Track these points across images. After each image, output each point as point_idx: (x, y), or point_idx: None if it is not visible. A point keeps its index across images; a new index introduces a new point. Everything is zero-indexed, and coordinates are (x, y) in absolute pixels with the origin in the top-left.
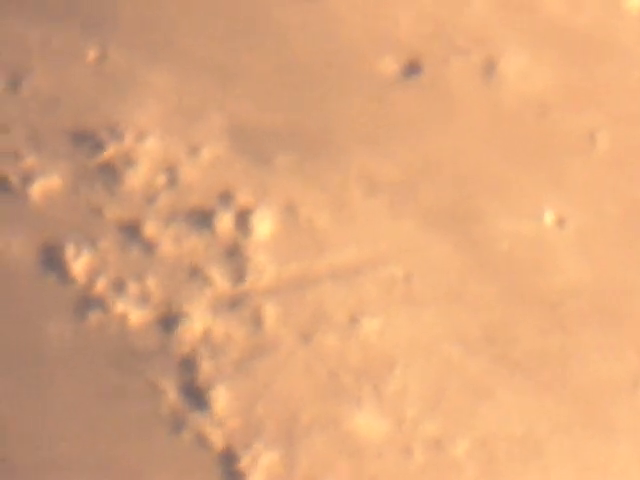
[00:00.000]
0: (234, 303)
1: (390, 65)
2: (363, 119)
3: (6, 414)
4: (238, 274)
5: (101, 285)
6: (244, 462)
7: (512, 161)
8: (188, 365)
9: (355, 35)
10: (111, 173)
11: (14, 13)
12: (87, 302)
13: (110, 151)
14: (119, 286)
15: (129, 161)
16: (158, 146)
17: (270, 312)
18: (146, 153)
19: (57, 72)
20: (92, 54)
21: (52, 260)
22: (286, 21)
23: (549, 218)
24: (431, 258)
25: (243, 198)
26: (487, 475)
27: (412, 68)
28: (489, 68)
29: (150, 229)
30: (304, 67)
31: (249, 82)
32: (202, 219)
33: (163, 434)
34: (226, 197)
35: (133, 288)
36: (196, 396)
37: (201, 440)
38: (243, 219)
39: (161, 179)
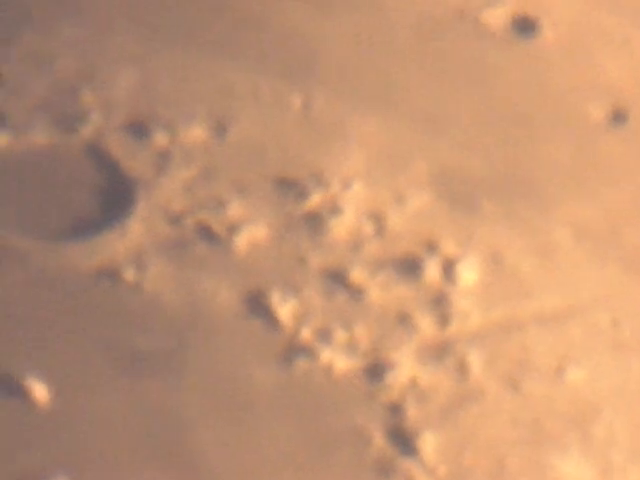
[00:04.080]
0: (440, 350)
1: (598, 111)
2: (570, 165)
3: (214, 458)
4: (444, 321)
5: (307, 333)
6: None
7: None
8: (395, 412)
9: (564, 81)
10: (316, 221)
11: (222, 60)
12: (293, 350)
13: (315, 199)
14: (325, 334)
15: (334, 209)
16: (363, 194)
17: (476, 359)
18: (351, 201)
19: (263, 119)
20: (298, 101)
21: (258, 308)
22: (495, 67)
23: None
24: (638, 303)
25: (449, 245)
26: None
27: (619, 114)
28: None
29: (356, 277)
30: (511, 113)
31: (455, 128)
32: (408, 267)
33: None
34: (432, 244)
35: (339, 336)
36: (403, 443)
37: None
38: (449, 266)
39: (367, 227)
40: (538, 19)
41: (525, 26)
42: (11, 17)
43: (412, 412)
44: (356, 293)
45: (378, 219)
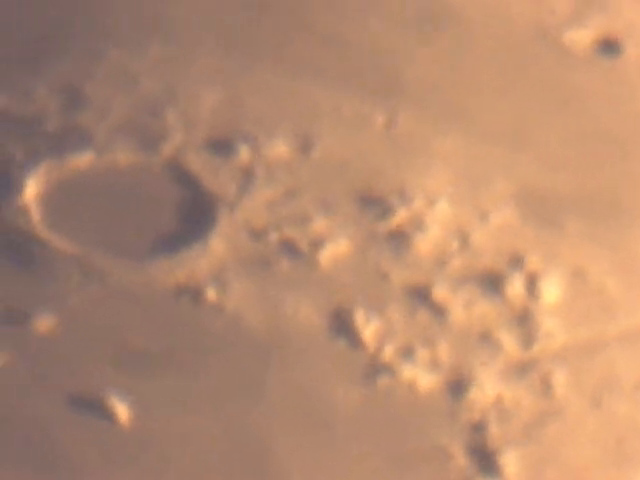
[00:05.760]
0: (523, 368)
1: None
2: None
3: (295, 474)
4: (527, 339)
5: (390, 350)
6: None
7: None
8: (477, 430)
9: None
10: (400, 238)
11: (307, 78)
12: (376, 368)
13: (399, 216)
14: (408, 351)
15: (418, 226)
16: (447, 211)
17: (559, 377)
18: (435, 218)
19: (347, 137)
20: (381, 119)
21: (341, 325)
22: (578, 86)
23: None
24: None
25: (532, 263)
26: None
27: None
28: None
29: (439, 294)
30: (594, 131)
31: (539, 146)
32: (491, 284)
33: None
34: (515, 262)
35: (422, 353)
36: (485, 461)
37: None
38: (532, 284)
39: (450, 244)
40: (621, 39)
41: (608, 45)
42: (96, 36)
43: (494, 430)
44: (439, 310)
45: (462, 236)
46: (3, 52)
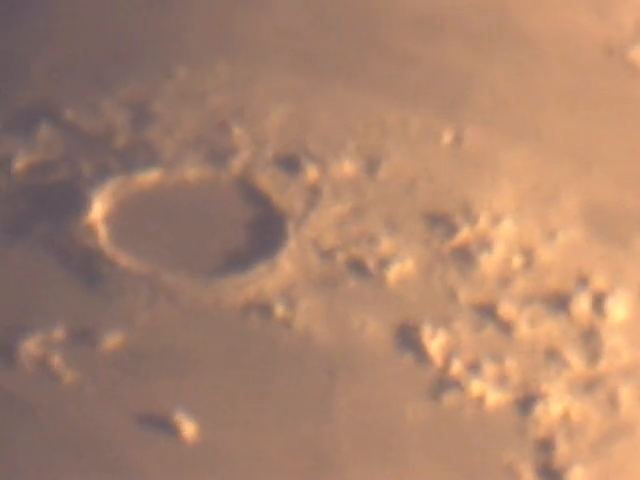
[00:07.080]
0: (591, 385)
1: None
2: None
3: None
4: (594, 356)
5: (457, 366)
6: None
7: None
8: (545, 447)
9: None
10: (466, 255)
11: (375, 96)
12: (443, 383)
13: (465, 233)
14: (475, 367)
15: (484, 243)
16: (513, 228)
17: (627, 394)
18: (501, 235)
19: (414, 154)
20: (448, 136)
21: (408, 341)
22: None
23: None
24: None
25: (599, 281)
26: None
27: None
28: None
29: (506, 311)
30: None
31: (606, 164)
32: (558, 301)
33: None
34: (582, 279)
35: (490, 369)
36: (553, 479)
37: None
38: (599, 301)
39: (516, 261)
40: None
41: None
42: (165, 53)
43: (562, 447)
44: (506, 327)
45: (528, 254)
46: (74, 69)
